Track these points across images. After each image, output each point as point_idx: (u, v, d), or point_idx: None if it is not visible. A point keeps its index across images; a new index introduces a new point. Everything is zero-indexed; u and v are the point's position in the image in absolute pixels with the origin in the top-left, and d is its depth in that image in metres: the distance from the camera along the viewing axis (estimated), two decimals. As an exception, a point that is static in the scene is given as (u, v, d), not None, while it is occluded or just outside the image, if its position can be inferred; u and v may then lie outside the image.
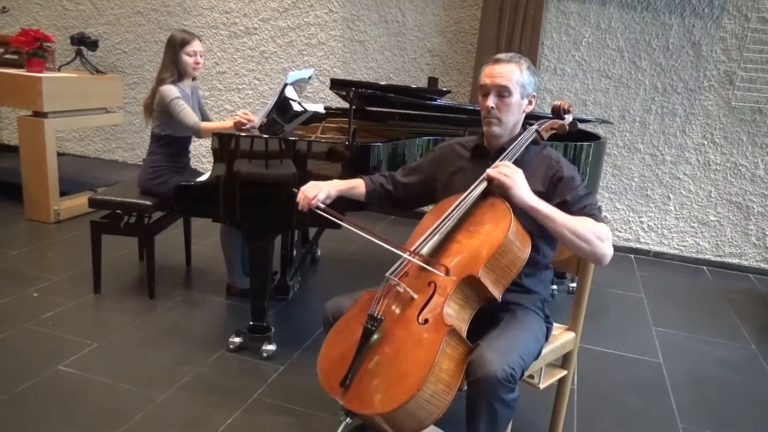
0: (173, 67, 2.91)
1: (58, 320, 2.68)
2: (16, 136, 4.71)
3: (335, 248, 3.90)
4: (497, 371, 1.44)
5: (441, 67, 4.52)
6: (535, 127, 1.83)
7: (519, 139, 1.79)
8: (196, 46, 2.93)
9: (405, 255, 1.65)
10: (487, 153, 1.85)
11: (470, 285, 1.58)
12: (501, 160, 1.74)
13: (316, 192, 1.82)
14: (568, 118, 1.90)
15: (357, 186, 1.98)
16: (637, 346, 2.95)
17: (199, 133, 2.91)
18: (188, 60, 2.92)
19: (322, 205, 1.82)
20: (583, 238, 1.60)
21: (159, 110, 2.91)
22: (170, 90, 2.86)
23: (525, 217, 1.66)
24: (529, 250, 1.63)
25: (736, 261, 4.25)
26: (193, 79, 3.04)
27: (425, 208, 1.97)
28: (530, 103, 1.80)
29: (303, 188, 1.84)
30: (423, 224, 1.79)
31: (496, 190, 1.68)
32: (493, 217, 1.65)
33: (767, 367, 2.87)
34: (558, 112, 1.90)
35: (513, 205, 1.64)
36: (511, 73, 1.73)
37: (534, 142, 1.81)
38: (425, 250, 1.65)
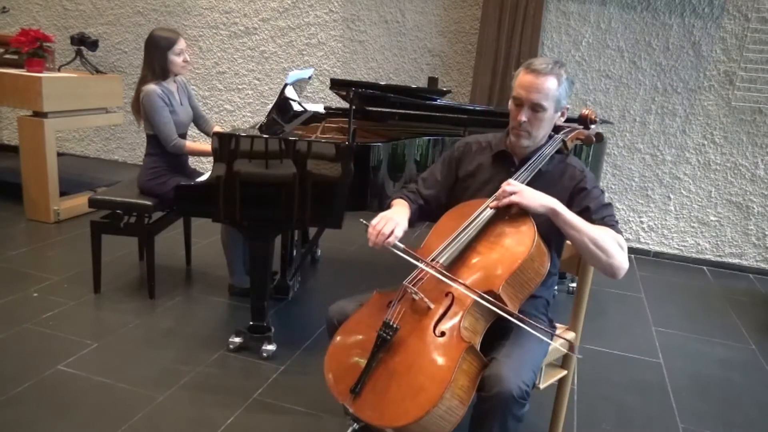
0: (158, 67, 2.87)
1: (58, 320, 2.68)
2: (16, 136, 4.71)
3: (335, 248, 3.89)
4: (513, 389, 1.42)
5: (441, 67, 4.52)
6: (560, 136, 1.79)
7: (544, 148, 1.75)
8: (181, 44, 2.90)
9: (447, 280, 1.55)
10: (510, 160, 1.79)
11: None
12: (520, 173, 1.70)
13: (392, 227, 1.63)
14: (594, 128, 1.86)
15: (409, 211, 1.84)
16: (637, 346, 2.95)
17: (179, 151, 2.91)
18: (176, 60, 2.89)
19: (401, 245, 1.63)
20: (602, 248, 1.57)
21: (145, 114, 2.88)
22: (153, 97, 2.82)
23: (545, 224, 1.62)
24: (548, 265, 1.61)
25: (736, 261, 4.25)
26: (176, 74, 3.01)
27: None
28: (562, 115, 1.76)
29: (375, 223, 1.65)
30: (439, 227, 1.74)
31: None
32: (517, 230, 1.60)
33: (767, 367, 2.87)
34: (585, 122, 1.85)
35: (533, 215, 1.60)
36: (548, 88, 1.64)
37: (558, 152, 1.77)
38: (444, 260, 1.59)
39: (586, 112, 1.85)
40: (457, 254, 1.61)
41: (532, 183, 1.67)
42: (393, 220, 1.66)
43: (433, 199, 1.90)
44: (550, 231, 1.65)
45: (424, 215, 1.92)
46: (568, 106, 1.75)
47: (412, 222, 1.85)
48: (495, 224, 1.64)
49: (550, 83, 1.65)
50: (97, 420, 2.03)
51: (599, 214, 1.66)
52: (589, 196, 1.69)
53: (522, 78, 1.68)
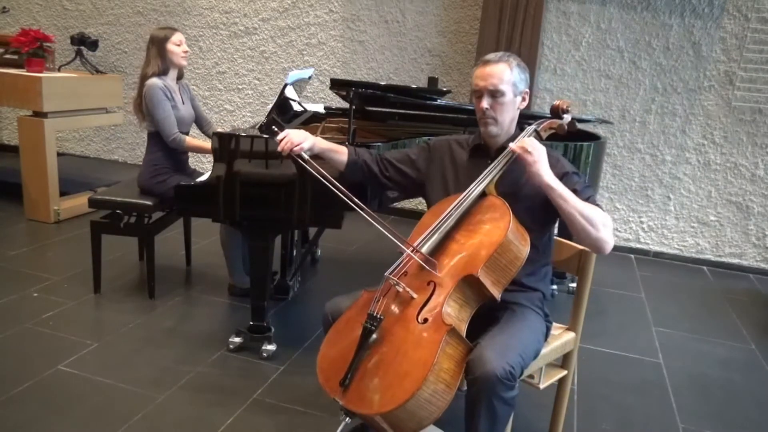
0: (158, 60, 2.91)
1: (58, 320, 2.68)
2: (16, 136, 4.71)
3: (335, 248, 3.90)
4: (497, 369, 1.45)
5: (441, 67, 4.52)
6: (533, 127, 1.84)
7: (518, 139, 1.79)
8: (180, 35, 2.95)
9: (407, 251, 1.64)
10: (487, 152, 1.85)
11: (469, 284, 1.58)
12: (496, 163, 1.74)
13: (302, 140, 1.81)
14: (567, 117, 1.90)
15: (340, 152, 1.98)
16: (637, 346, 2.95)
17: (179, 146, 2.92)
18: (176, 49, 2.93)
19: (306, 155, 1.80)
20: (592, 223, 1.61)
21: (147, 108, 2.91)
22: (155, 90, 2.85)
23: (528, 211, 1.68)
24: (528, 248, 1.64)
25: (736, 261, 4.25)
26: (179, 77, 3.04)
27: (419, 204, 1.96)
28: (524, 99, 1.82)
29: (289, 131, 1.83)
30: (422, 223, 1.79)
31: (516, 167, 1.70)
32: (493, 217, 1.66)
33: (767, 367, 2.87)
34: (556, 112, 1.90)
35: (525, 187, 1.67)
36: (501, 73, 1.75)
37: None
38: (425, 249, 1.64)
39: (557, 103, 1.92)
40: (437, 243, 1.67)
41: (510, 171, 1.74)
42: (304, 134, 1.84)
43: (391, 166, 1.99)
44: (535, 219, 1.71)
45: (372, 181, 2.03)
46: (528, 90, 1.82)
47: (349, 173, 1.99)
48: (473, 213, 1.71)
49: (502, 69, 1.76)
50: (97, 420, 2.03)
51: (585, 194, 1.71)
52: (571, 180, 1.74)
53: (477, 72, 1.81)
